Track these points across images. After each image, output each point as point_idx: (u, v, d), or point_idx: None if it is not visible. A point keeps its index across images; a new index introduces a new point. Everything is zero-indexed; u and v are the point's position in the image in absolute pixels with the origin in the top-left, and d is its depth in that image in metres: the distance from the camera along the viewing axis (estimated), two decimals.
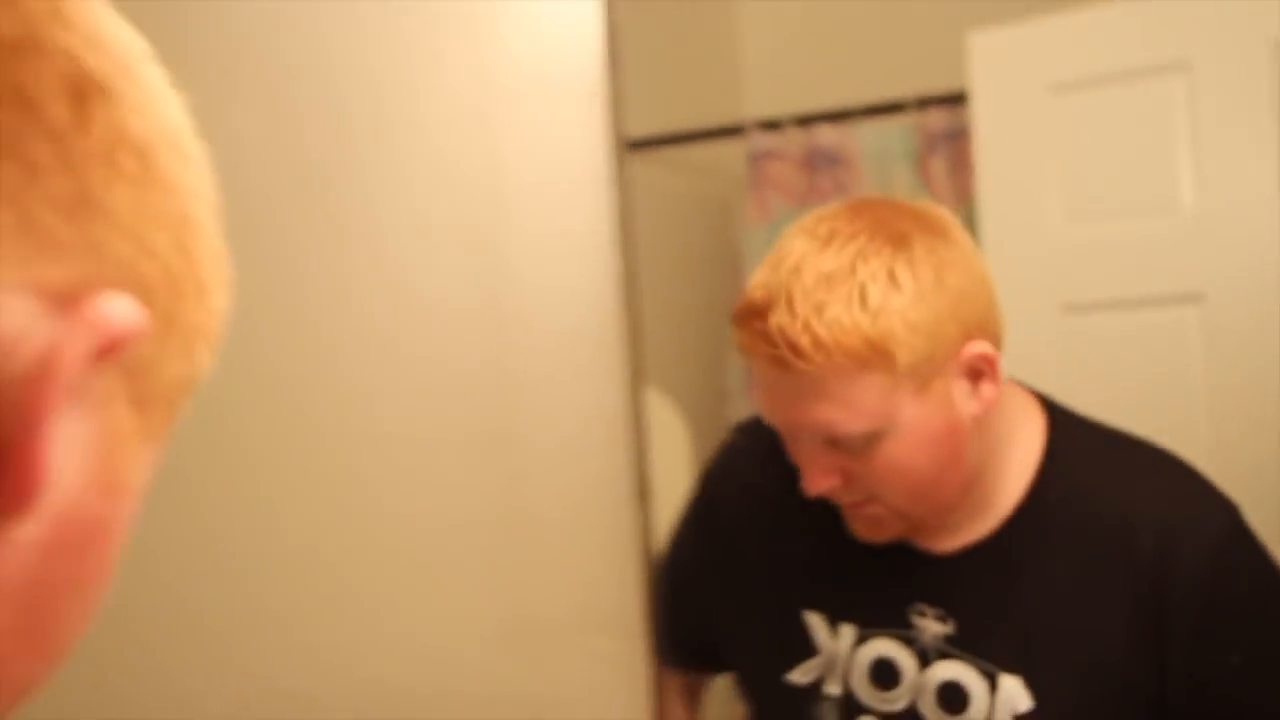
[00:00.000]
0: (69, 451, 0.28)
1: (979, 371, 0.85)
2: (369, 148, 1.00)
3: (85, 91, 0.28)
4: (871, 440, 0.82)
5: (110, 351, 0.28)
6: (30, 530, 0.28)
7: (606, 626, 0.96)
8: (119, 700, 1.04)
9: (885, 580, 0.97)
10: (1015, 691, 0.88)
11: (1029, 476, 0.91)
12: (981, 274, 0.86)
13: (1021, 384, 0.95)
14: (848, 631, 0.97)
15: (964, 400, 0.84)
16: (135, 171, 0.30)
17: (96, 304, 0.27)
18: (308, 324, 1.02)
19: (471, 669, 1.00)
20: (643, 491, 0.95)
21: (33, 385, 0.26)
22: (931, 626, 0.92)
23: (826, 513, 0.95)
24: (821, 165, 1.95)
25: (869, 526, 0.89)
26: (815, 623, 0.98)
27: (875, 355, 0.80)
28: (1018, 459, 0.91)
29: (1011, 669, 0.88)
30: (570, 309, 0.96)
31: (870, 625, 0.96)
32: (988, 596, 0.92)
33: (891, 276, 0.80)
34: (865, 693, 0.95)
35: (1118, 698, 0.85)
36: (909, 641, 0.93)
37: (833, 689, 0.96)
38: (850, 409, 0.81)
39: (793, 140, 1.98)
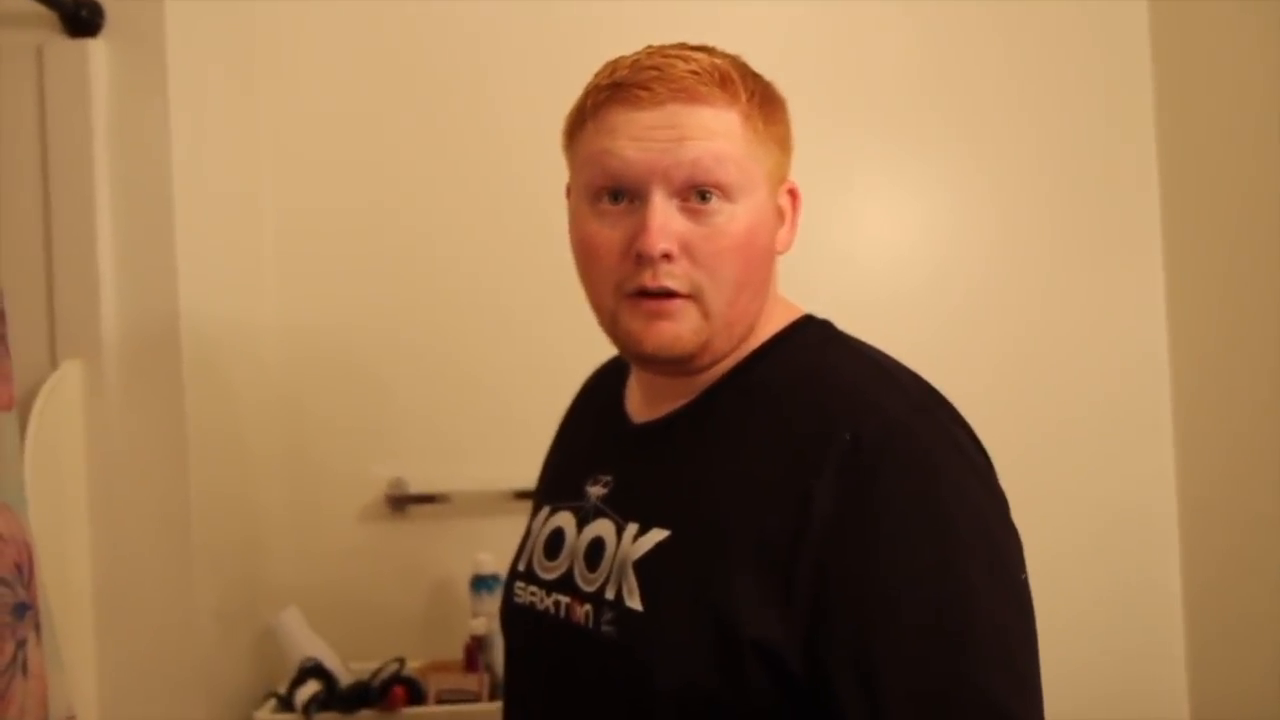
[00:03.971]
0: None
1: (789, 208, 0.99)
2: None
3: None
4: (727, 195, 0.90)
5: None
6: None
7: None
8: None
9: (582, 458, 1.08)
10: (630, 537, 0.92)
11: (740, 358, 0.97)
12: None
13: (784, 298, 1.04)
14: (544, 512, 1.08)
15: (778, 225, 0.98)
16: None
17: None
18: None
19: None
20: None
21: None
22: (595, 491, 1.00)
23: (593, 410, 1.14)
24: None
25: (670, 328, 0.92)
26: (539, 514, 1.09)
27: (730, 83, 0.92)
28: (749, 342, 0.98)
29: (634, 518, 0.93)
30: None
31: (556, 500, 1.06)
32: (647, 457, 0.99)
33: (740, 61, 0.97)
34: (538, 565, 1.03)
35: (749, 555, 0.84)
36: (577, 510, 1.01)
37: (520, 566, 1.07)
38: (719, 139, 0.90)
39: None
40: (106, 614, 1.56)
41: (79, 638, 1.51)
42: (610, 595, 0.91)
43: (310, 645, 1.82)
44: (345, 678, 1.79)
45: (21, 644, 1.16)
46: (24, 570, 1.18)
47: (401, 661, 1.78)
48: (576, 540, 0.99)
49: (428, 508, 2.00)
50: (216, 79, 1.82)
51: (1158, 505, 2.08)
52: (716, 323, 0.93)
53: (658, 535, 0.90)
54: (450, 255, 2.04)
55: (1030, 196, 2.10)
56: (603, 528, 0.96)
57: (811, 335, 1.00)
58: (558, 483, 1.11)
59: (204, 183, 1.72)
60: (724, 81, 0.92)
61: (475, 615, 1.87)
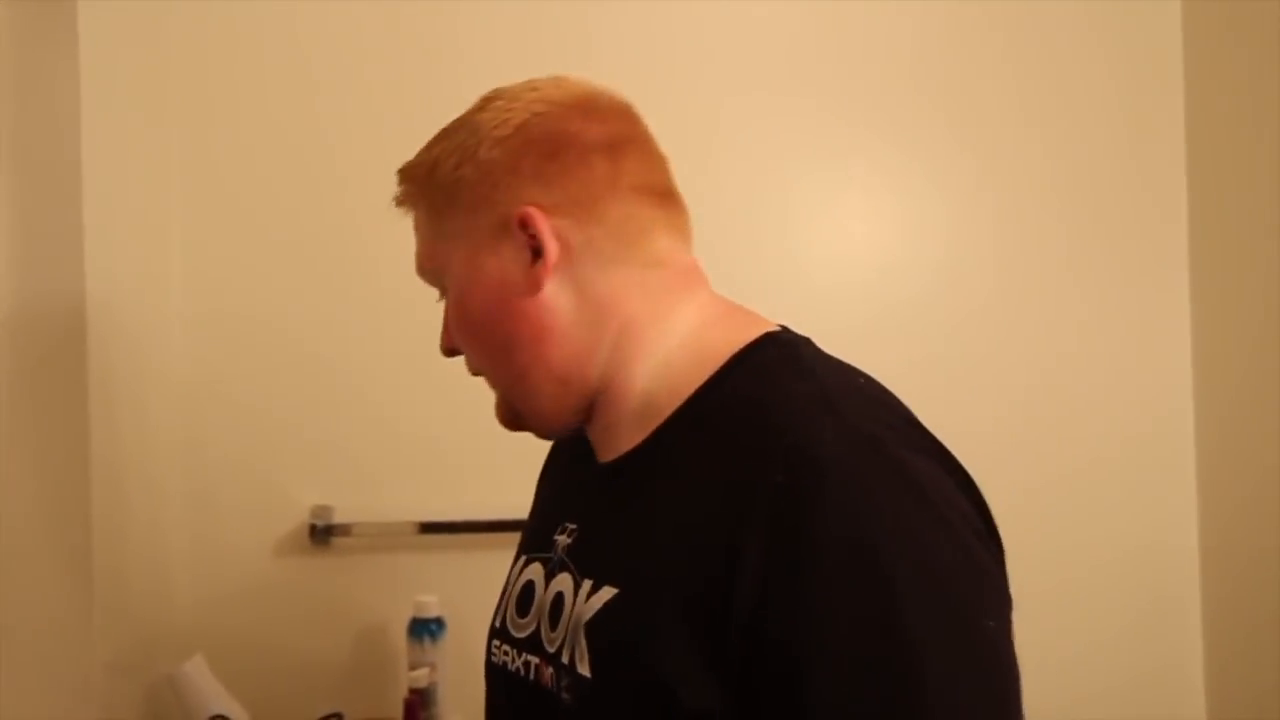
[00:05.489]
0: None
1: (530, 241, 0.88)
2: None
3: None
4: (442, 287, 0.94)
5: None
6: None
7: None
8: None
9: (554, 503, 1.02)
10: (584, 595, 0.84)
11: (697, 385, 0.87)
12: (565, 131, 0.90)
13: (755, 314, 0.94)
14: (519, 563, 1.00)
15: (520, 270, 0.89)
16: None
17: None
18: None
19: None
20: None
21: None
22: (562, 541, 0.92)
23: (571, 449, 1.04)
24: None
25: (500, 414, 0.97)
26: (516, 565, 1.02)
27: (413, 182, 0.94)
28: (691, 370, 0.87)
29: (590, 573, 0.85)
30: None
31: (530, 550, 0.99)
32: (606, 503, 0.91)
33: (459, 123, 0.95)
34: (510, 622, 0.95)
35: (688, 616, 0.76)
36: (546, 562, 0.94)
37: (497, 622, 0.99)
38: (420, 244, 0.95)
39: None
40: None
41: None
42: (566, 659, 0.84)
43: (217, 701, 1.59)
44: None
45: None
46: None
47: (339, 718, 1.57)
48: (544, 595, 0.91)
49: (357, 540, 1.78)
50: (127, 35, 1.61)
51: (1178, 541, 2.02)
52: (520, 391, 0.93)
53: (607, 594, 0.83)
54: (384, 251, 1.83)
55: (1037, 209, 2.01)
56: (564, 582, 0.89)
57: (768, 357, 0.88)
58: (534, 531, 1.02)
59: (114, 152, 1.50)
60: (408, 179, 0.96)
61: (415, 666, 1.67)
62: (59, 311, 1.39)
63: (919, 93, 1.99)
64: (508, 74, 1.83)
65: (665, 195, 0.94)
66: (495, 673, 0.97)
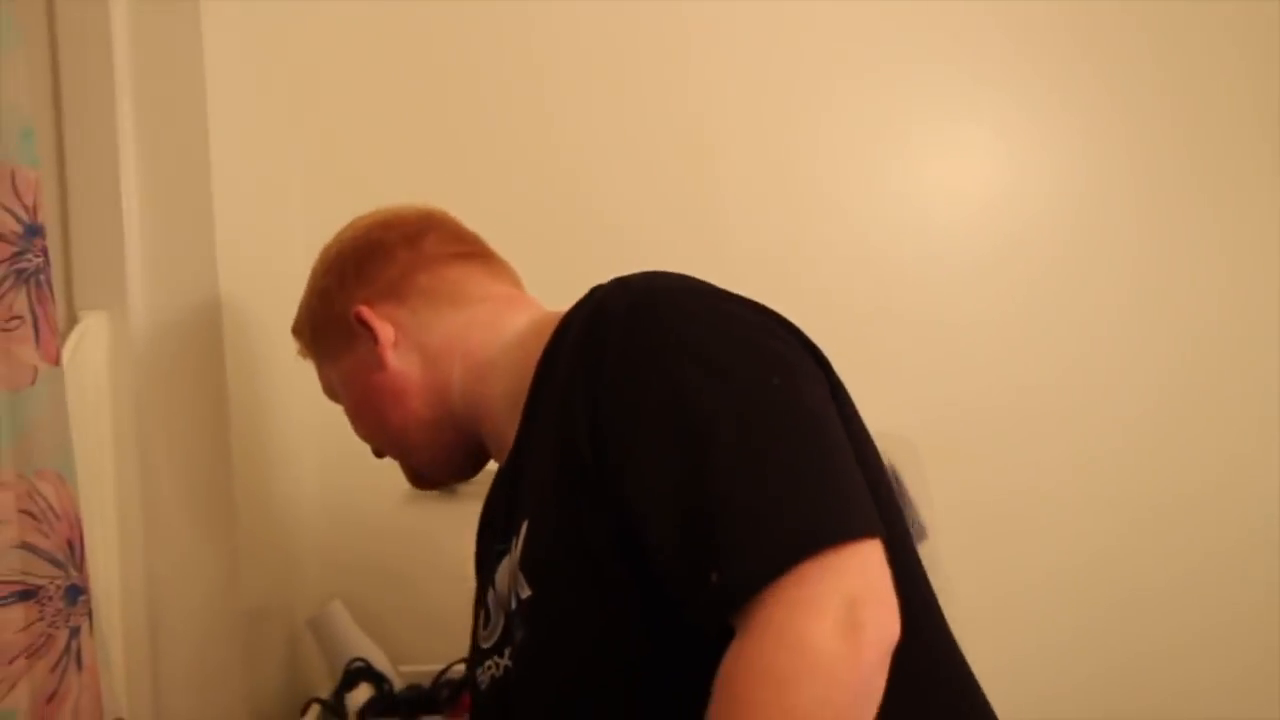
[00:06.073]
0: None
1: (369, 332, 1.09)
2: None
3: None
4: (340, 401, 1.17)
5: None
6: None
7: None
8: None
9: (482, 543, 1.12)
10: (514, 548, 0.91)
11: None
12: (369, 240, 1.14)
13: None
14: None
15: (372, 356, 1.09)
16: None
17: None
18: None
19: None
20: None
21: None
22: (496, 547, 0.99)
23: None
24: None
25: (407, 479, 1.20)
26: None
27: (295, 335, 1.21)
28: (537, 346, 0.96)
29: (512, 533, 0.93)
30: None
31: (476, 602, 1.05)
32: (512, 482, 0.98)
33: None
34: (480, 639, 1.00)
35: (579, 496, 0.84)
36: (486, 581, 1.00)
37: (470, 655, 1.04)
38: (319, 376, 1.20)
39: None
40: (134, 608, 1.37)
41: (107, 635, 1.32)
42: (515, 607, 0.90)
43: (357, 644, 1.64)
44: (397, 682, 1.62)
45: (75, 632, 1.00)
46: (76, 549, 1.01)
47: None
48: (495, 596, 0.97)
49: (481, 487, 1.81)
50: (250, 37, 1.66)
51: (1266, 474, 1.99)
52: (408, 449, 1.14)
53: (524, 528, 0.90)
54: (501, 244, 1.88)
55: (1168, 143, 1.97)
56: (504, 566, 0.95)
57: (581, 301, 0.97)
58: (477, 585, 1.10)
59: (237, 116, 1.54)
60: (294, 334, 1.23)
61: None
62: (196, 306, 1.44)
63: (1045, 27, 1.97)
64: (637, 65, 1.86)
65: (475, 255, 1.14)
66: (477, 695, 1.00)
